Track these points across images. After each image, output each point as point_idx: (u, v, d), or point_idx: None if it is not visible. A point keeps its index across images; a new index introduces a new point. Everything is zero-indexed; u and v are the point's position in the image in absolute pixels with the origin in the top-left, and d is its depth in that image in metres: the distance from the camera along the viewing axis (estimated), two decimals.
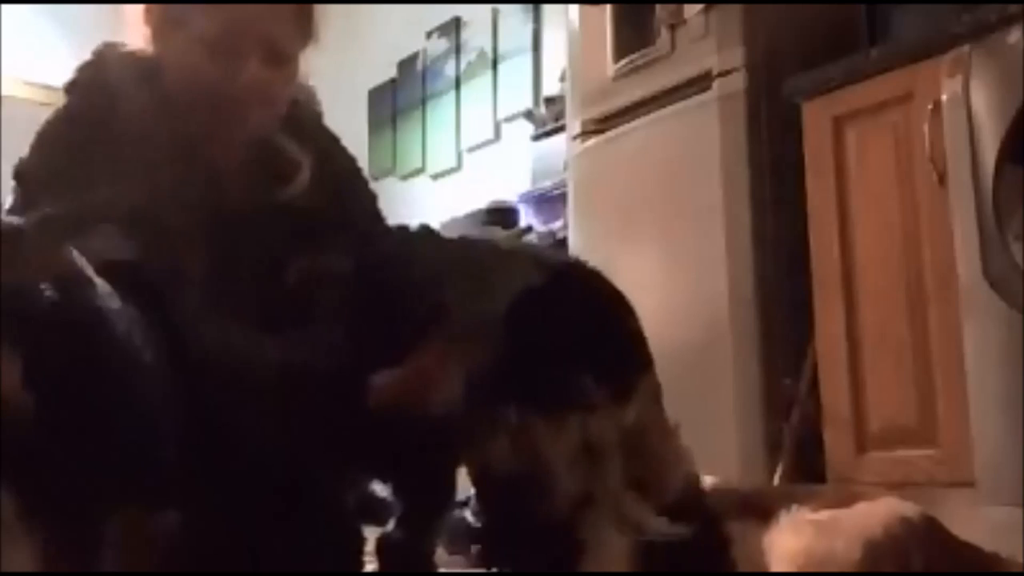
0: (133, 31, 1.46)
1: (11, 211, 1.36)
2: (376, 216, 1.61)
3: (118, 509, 1.05)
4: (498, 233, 3.78)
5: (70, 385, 1.00)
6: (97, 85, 1.42)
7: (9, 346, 0.96)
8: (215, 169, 1.45)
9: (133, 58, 1.45)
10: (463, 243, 1.42)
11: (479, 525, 1.47)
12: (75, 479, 1.00)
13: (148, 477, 1.09)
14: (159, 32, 1.43)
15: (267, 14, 1.42)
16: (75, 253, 1.06)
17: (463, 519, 2.20)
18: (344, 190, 1.56)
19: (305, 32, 1.48)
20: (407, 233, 1.50)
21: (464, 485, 1.35)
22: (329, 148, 1.58)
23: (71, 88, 1.44)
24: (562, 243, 3.27)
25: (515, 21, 4.60)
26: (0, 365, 0.96)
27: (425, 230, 1.48)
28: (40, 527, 0.98)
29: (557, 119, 3.80)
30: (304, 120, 1.55)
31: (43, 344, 0.99)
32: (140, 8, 1.45)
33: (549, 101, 4.05)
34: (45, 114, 1.45)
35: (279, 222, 1.44)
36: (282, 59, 1.44)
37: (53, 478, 0.99)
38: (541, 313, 1.21)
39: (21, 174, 1.37)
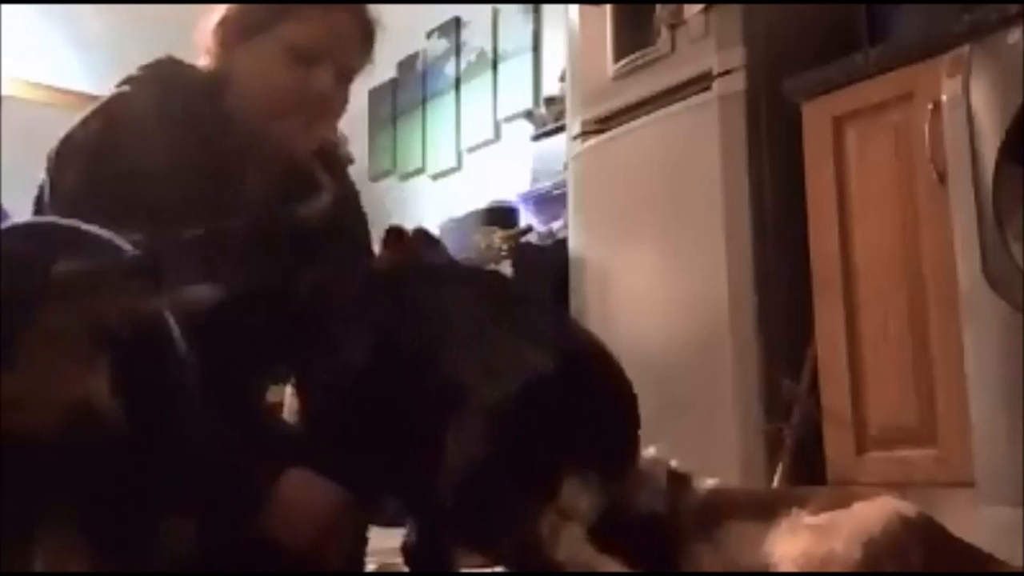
0: (200, 44, 1.50)
1: (41, 209, 1.38)
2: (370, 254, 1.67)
3: (170, 518, 1.07)
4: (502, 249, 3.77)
5: (151, 397, 1.02)
6: (148, 106, 1.44)
7: (99, 355, 0.98)
8: (250, 183, 1.49)
9: (192, 76, 1.50)
10: (480, 315, 1.34)
11: None
12: (141, 487, 1.02)
13: (197, 488, 1.11)
14: (234, 37, 1.48)
15: (346, 32, 1.50)
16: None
17: None
18: (354, 227, 1.64)
19: (367, 53, 1.55)
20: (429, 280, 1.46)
21: None
22: (348, 187, 1.65)
23: (118, 106, 1.44)
24: (562, 243, 3.28)
25: (515, 21, 4.60)
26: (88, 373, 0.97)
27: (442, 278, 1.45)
28: (97, 536, 0.99)
29: (557, 119, 3.80)
30: (334, 156, 1.64)
31: (129, 354, 1.00)
32: (209, 23, 1.49)
33: (549, 101, 4.06)
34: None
35: (294, 235, 1.50)
36: (347, 75, 1.52)
37: (124, 485, 1.00)
38: (544, 403, 1.21)
39: (62, 179, 1.38)
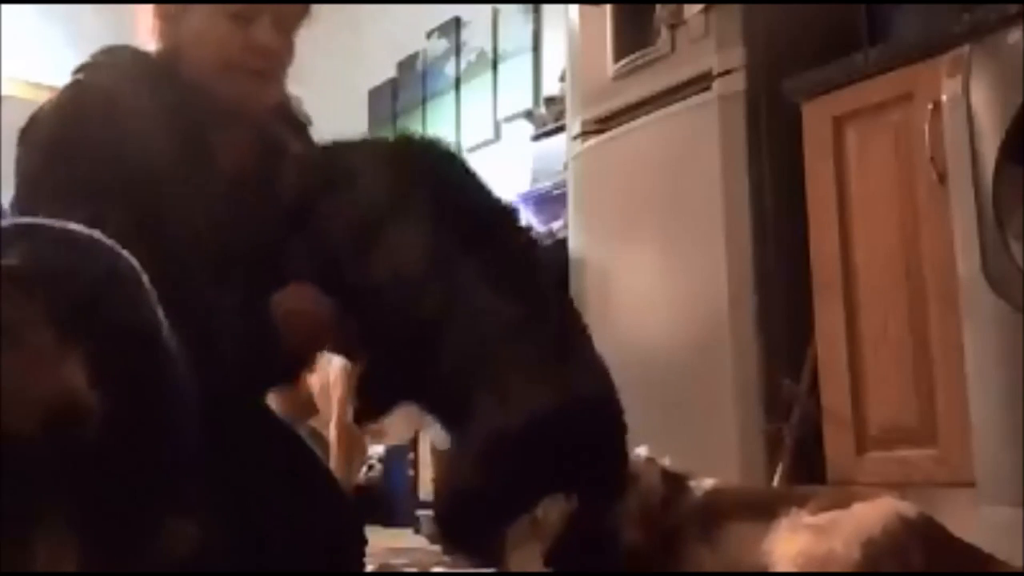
0: (142, 31, 1.55)
1: (15, 205, 1.38)
2: None
3: (165, 517, 1.06)
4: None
5: (135, 388, 1.01)
6: (110, 84, 1.46)
7: (75, 345, 0.97)
8: (221, 149, 1.52)
9: (145, 56, 1.54)
10: (495, 337, 1.35)
11: None
12: (132, 485, 1.01)
13: (190, 485, 1.11)
14: (175, 13, 1.51)
15: None
16: (134, 260, 1.07)
17: None
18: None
19: (303, 8, 1.58)
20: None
21: None
22: (315, 146, 1.66)
23: (80, 87, 1.46)
24: (562, 243, 3.28)
25: (515, 21, 4.60)
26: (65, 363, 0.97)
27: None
28: (89, 533, 0.98)
29: (557, 119, 3.80)
30: (294, 115, 1.67)
31: (109, 344, 1.00)
32: (149, 9, 1.53)
33: (549, 101, 4.06)
34: None
35: (271, 194, 1.52)
36: (286, 26, 1.55)
37: (110, 483, 0.99)
38: (543, 440, 1.25)
39: (27, 169, 1.40)
